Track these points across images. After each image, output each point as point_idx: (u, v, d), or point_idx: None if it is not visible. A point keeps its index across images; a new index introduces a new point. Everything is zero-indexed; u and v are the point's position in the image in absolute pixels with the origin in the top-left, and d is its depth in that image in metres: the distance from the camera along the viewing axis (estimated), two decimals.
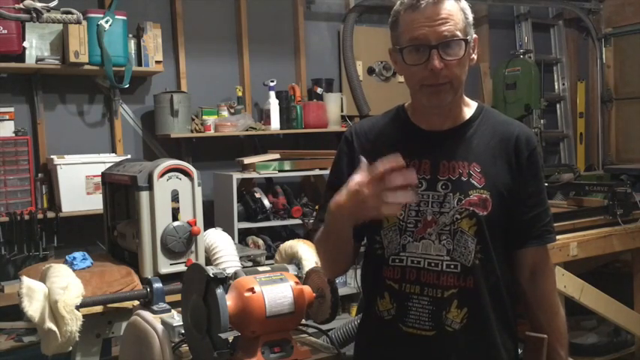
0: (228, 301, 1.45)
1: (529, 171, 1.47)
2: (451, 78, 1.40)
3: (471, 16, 1.43)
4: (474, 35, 1.45)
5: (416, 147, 1.49)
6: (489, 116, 1.53)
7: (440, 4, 1.37)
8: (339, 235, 1.38)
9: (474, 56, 1.47)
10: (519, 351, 1.53)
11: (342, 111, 4.65)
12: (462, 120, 1.50)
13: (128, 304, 2.17)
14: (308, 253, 2.22)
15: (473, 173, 1.44)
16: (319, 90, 4.62)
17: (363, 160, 1.29)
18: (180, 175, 2.40)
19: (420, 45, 1.38)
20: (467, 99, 1.54)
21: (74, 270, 2.26)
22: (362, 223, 1.36)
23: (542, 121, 5.02)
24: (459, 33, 1.38)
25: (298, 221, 4.23)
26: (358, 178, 1.25)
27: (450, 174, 1.44)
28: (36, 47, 3.68)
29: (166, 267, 2.34)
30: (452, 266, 1.42)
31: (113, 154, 3.99)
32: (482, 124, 1.50)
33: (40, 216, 3.67)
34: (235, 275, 1.57)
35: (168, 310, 1.88)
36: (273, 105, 4.38)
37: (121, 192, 2.72)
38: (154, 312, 1.86)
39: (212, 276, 1.43)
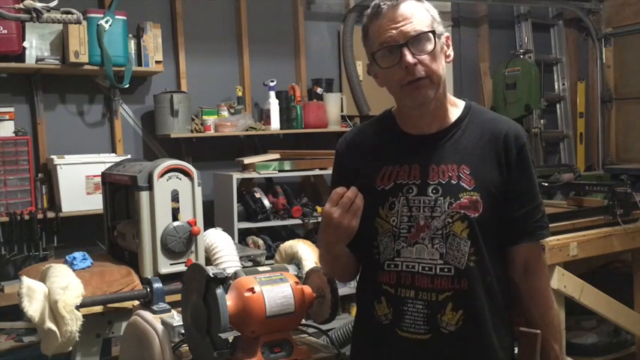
0: (228, 301, 1.45)
1: (519, 168, 1.47)
2: (428, 72, 1.42)
3: (436, 15, 1.47)
4: (445, 33, 1.48)
5: (405, 153, 1.50)
6: (477, 115, 1.53)
7: (400, 5, 1.41)
8: (338, 257, 1.50)
9: (450, 52, 1.49)
10: (515, 350, 1.54)
11: (342, 111, 4.65)
12: (449, 122, 1.51)
13: (128, 304, 2.17)
14: (308, 253, 2.22)
15: (462, 175, 1.44)
16: (319, 90, 4.62)
17: (335, 190, 1.42)
18: (180, 175, 2.40)
19: (390, 46, 1.41)
20: (453, 98, 1.55)
21: (74, 270, 2.26)
22: (355, 238, 1.46)
23: (542, 121, 5.02)
24: (425, 28, 1.42)
25: (298, 221, 4.23)
26: (325, 208, 1.41)
27: (439, 178, 1.45)
28: (36, 47, 3.68)
29: (166, 267, 2.34)
30: (445, 269, 1.42)
31: (113, 154, 3.99)
32: (470, 124, 1.50)
33: (40, 216, 3.67)
34: (235, 275, 1.57)
35: (168, 310, 1.88)
36: (273, 105, 4.38)
37: (121, 192, 2.72)
38: (154, 312, 1.86)
39: (212, 276, 1.43)
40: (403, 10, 1.41)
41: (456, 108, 1.53)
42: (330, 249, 1.47)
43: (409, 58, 1.39)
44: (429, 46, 1.41)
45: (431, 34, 1.41)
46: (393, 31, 1.40)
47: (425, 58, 1.40)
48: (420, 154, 1.48)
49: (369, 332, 1.53)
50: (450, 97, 1.53)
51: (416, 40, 1.40)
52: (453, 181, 1.44)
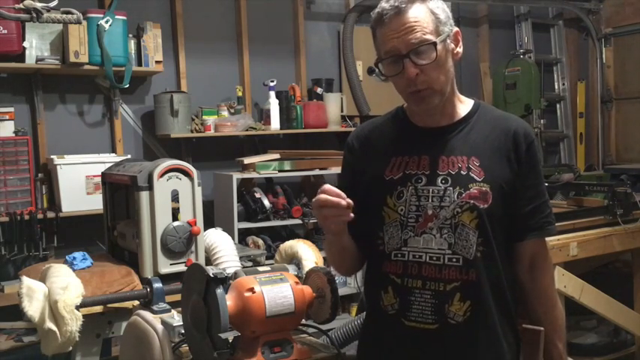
0: (228, 301, 1.46)
1: (527, 164, 1.49)
2: (430, 82, 1.42)
3: (443, 14, 1.44)
4: (455, 29, 1.47)
5: (414, 144, 1.52)
6: (486, 112, 1.55)
7: (403, 13, 1.40)
8: (344, 248, 1.54)
9: (458, 50, 1.49)
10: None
11: (342, 111, 4.65)
12: (459, 117, 1.52)
13: (128, 304, 2.17)
14: (308, 253, 2.22)
15: (472, 167, 1.45)
16: (319, 90, 4.62)
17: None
18: (180, 175, 2.40)
19: (393, 56, 1.42)
20: (462, 97, 1.56)
21: (74, 270, 2.26)
22: (360, 229, 1.49)
23: (542, 121, 5.03)
24: (428, 37, 1.40)
25: (298, 221, 4.24)
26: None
27: (449, 168, 1.46)
28: (36, 47, 3.68)
29: (166, 267, 2.34)
30: (454, 259, 1.43)
31: (113, 154, 3.99)
32: (479, 120, 1.52)
33: (40, 216, 3.67)
34: (235, 275, 1.57)
35: (168, 310, 1.88)
36: (273, 105, 4.38)
37: (121, 192, 2.72)
38: (153, 312, 1.86)
39: (212, 276, 1.43)
40: (406, 18, 1.40)
41: (464, 105, 1.55)
42: (333, 241, 1.52)
43: (410, 70, 1.40)
44: (432, 55, 1.40)
45: (433, 45, 1.40)
46: (395, 41, 1.40)
47: (427, 67, 1.40)
48: (429, 145, 1.50)
49: (375, 323, 1.55)
50: (459, 94, 1.55)
51: (417, 50, 1.40)
52: (462, 172, 1.45)
